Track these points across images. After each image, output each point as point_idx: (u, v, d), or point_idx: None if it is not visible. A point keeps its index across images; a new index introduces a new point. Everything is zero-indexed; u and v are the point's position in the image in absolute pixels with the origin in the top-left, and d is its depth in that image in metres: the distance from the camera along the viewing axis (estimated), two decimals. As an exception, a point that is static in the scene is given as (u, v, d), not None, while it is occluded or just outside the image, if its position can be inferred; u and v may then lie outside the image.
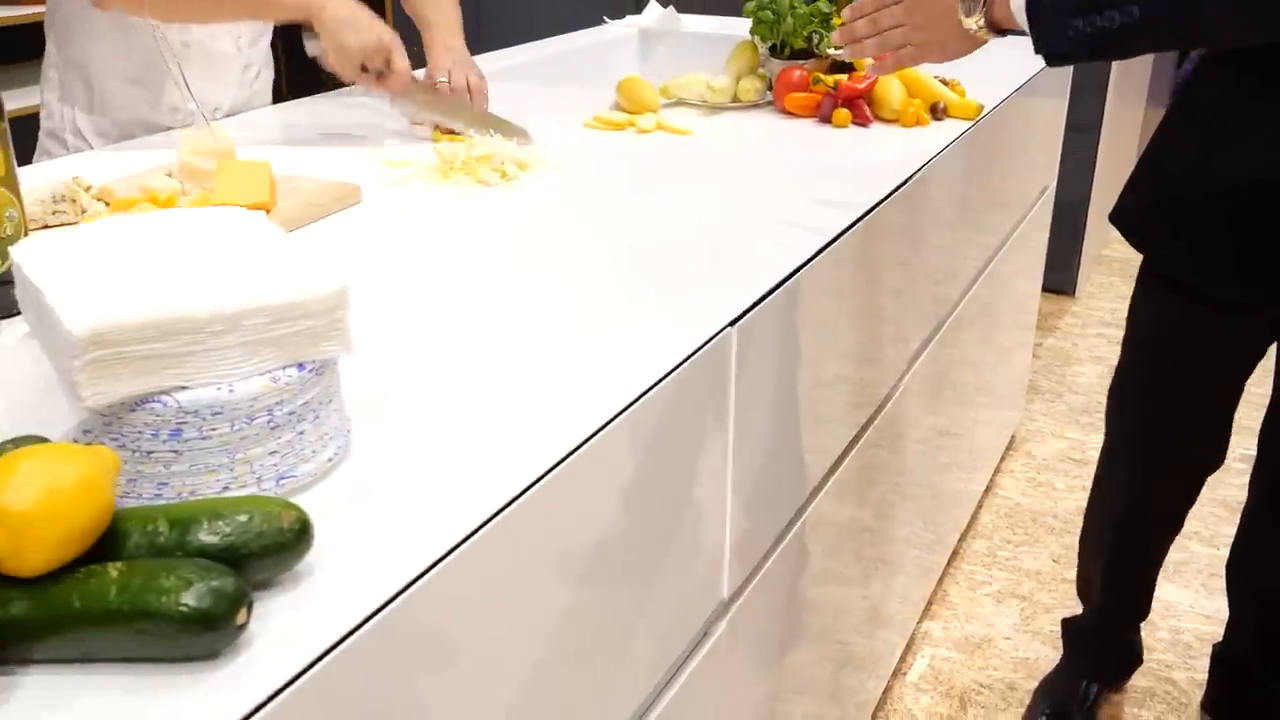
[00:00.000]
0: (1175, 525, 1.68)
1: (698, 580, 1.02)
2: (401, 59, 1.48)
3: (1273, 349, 1.50)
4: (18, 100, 2.84)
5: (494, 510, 0.69)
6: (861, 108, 1.63)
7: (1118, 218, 1.52)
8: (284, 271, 0.70)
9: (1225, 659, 1.74)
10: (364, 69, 1.46)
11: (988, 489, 2.45)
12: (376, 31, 1.46)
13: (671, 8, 2.50)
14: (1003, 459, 2.56)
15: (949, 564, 2.19)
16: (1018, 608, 2.08)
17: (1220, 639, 1.76)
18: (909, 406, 1.62)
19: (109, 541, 0.57)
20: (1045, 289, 2.61)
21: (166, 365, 0.63)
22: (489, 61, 1.98)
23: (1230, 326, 1.46)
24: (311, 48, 1.48)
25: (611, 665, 0.88)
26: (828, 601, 1.43)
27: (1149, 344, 1.55)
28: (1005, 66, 2.04)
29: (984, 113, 1.68)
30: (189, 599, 0.54)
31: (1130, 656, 1.85)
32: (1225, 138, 1.36)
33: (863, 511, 1.51)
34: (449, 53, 1.62)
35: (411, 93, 1.52)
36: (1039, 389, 2.89)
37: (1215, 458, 1.58)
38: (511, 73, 2.01)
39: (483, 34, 2.70)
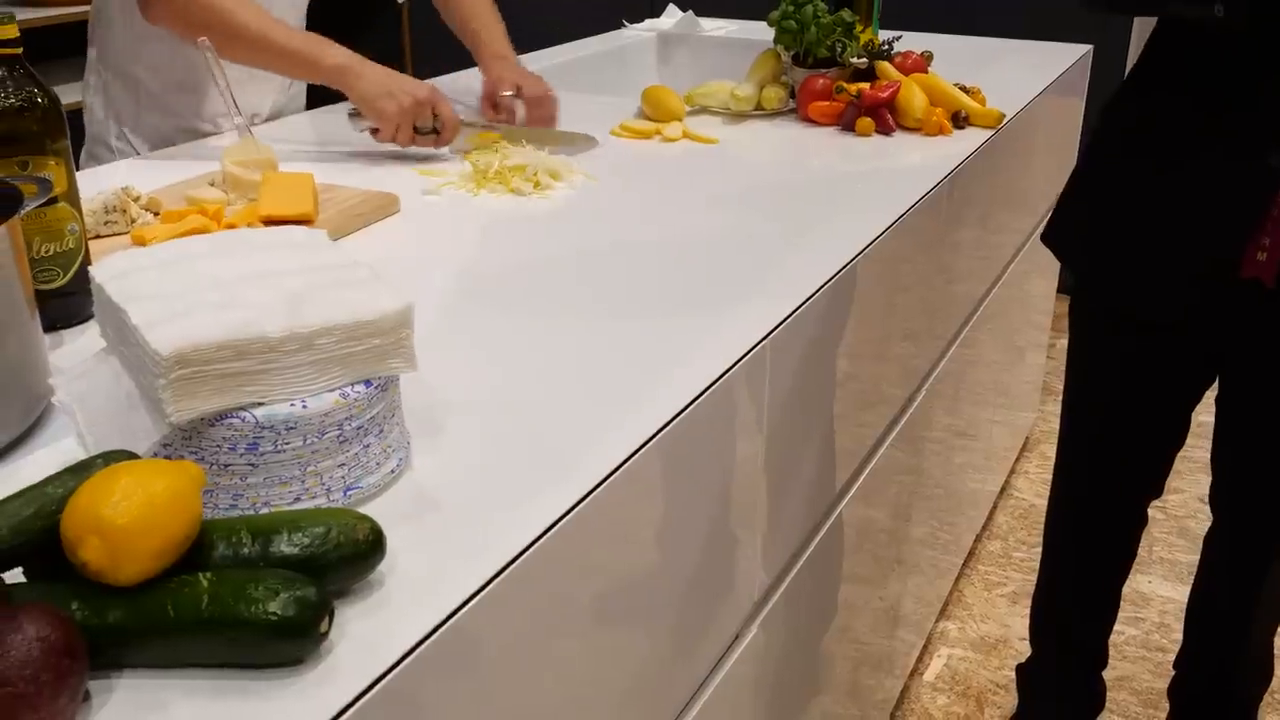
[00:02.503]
0: (1127, 553, 1.65)
1: (732, 584, 1.05)
2: (446, 108, 1.48)
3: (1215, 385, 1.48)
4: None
5: (549, 523, 0.72)
6: (885, 116, 1.66)
7: (1049, 239, 1.51)
8: (351, 291, 0.73)
9: (1180, 693, 1.71)
10: (416, 130, 1.46)
11: (1003, 490, 2.48)
12: (412, 90, 1.44)
13: (690, 11, 2.53)
14: (1017, 460, 2.59)
15: (965, 565, 2.22)
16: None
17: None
18: (927, 408, 1.65)
19: (196, 551, 0.61)
20: (1059, 289, 2.63)
21: (243, 383, 0.67)
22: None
23: (1167, 355, 1.43)
24: (355, 124, 1.49)
25: (656, 666, 0.91)
26: (848, 602, 1.47)
27: (1085, 375, 1.53)
28: (1024, 73, 2.07)
29: (1005, 121, 1.71)
30: (276, 608, 0.57)
31: (1091, 704, 1.78)
32: (1156, 161, 1.33)
33: (881, 512, 1.54)
34: (504, 62, 1.65)
35: (463, 134, 1.52)
36: (1053, 390, 2.92)
37: (1153, 489, 1.57)
38: (579, 84, 2.04)
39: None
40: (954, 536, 2.08)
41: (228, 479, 0.68)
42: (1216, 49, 1.26)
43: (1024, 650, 1.86)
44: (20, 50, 0.92)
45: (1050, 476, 2.52)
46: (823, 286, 1.11)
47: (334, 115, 1.75)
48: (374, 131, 1.46)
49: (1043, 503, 2.43)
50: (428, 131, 1.47)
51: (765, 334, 1.00)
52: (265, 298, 0.71)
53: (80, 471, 0.61)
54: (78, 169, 1.54)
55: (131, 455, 0.64)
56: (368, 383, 0.71)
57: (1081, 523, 1.64)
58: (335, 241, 1.17)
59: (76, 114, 1.65)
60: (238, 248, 0.78)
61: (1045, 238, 1.52)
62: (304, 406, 0.68)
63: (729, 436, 0.98)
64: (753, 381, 1.00)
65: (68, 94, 1.78)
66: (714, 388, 0.91)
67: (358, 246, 1.21)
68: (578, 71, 2.21)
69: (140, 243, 1.13)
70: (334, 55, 1.42)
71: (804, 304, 1.07)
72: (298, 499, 0.69)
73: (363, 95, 1.42)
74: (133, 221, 1.18)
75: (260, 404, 0.67)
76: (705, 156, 1.57)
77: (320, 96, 1.83)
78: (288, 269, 0.75)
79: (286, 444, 0.68)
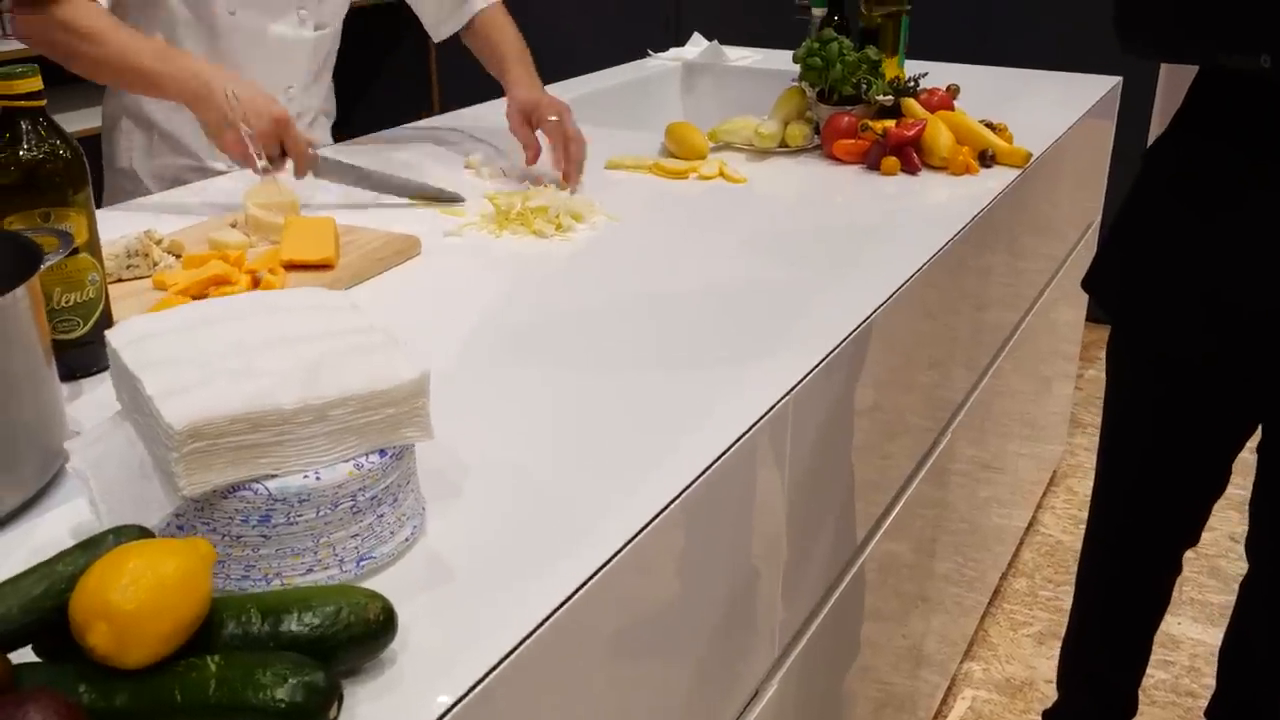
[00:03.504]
0: (1161, 601, 1.63)
1: (752, 641, 1.04)
2: (292, 137, 1.37)
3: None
4: (77, 123, 2.90)
5: (567, 594, 0.71)
6: (910, 155, 1.64)
7: (1090, 285, 1.49)
8: (365, 358, 0.72)
9: None
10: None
11: (1029, 526, 2.45)
12: (254, 122, 1.33)
13: (715, 41, 2.53)
14: (1044, 494, 2.56)
15: (990, 603, 2.20)
16: (1059, 649, 2.07)
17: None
18: (953, 442, 1.64)
19: (206, 630, 0.60)
20: (1088, 319, 2.61)
21: (257, 455, 0.66)
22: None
23: (1208, 402, 1.41)
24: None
25: (671, 732, 0.90)
26: (870, 640, 1.45)
27: (1123, 420, 1.52)
28: (1053, 107, 2.06)
29: (1032, 160, 1.69)
30: (284, 694, 0.56)
31: None
32: (1199, 207, 1.32)
33: (905, 547, 1.52)
34: (537, 89, 1.63)
35: (316, 167, 1.43)
36: (1081, 422, 2.89)
37: (1191, 537, 1.55)
38: (590, 116, 2.04)
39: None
40: (979, 573, 2.06)
41: (240, 550, 0.67)
42: (1262, 96, 1.25)
43: (1050, 694, 1.83)
44: (44, 103, 0.93)
45: (1077, 512, 2.50)
46: (847, 337, 1.10)
47: (359, 152, 1.75)
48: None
49: (1070, 539, 2.41)
50: (274, 159, 1.37)
51: (789, 389, 0.98)
52: (281, 365, 0.70)
53: (90, 549, 0.61)
54: (101, 201, 1.55)
55: (143, 530, 0.63)
56: (382, 452, 0.71)
57: (1115, 569, 1.62)
58: (353, 290, 1.18)
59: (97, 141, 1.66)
60: (256, 311, 0.78)
61: (1086, 284, 1.51)
62: (317, 478, 0.67)
63: (751, 495, 0.97)
64: (775, 437, 0.98)
65: (93, 118, 1.80)
66: (736, 446, 0.90)
67: (377, 292, 1.20)
68: (602, 102, 2.21)
69: (161, 288, 1.14)
70: (181, 78, 1.34)
71: (829, 355, 1.06)
72: (310, 570, 0.69)
73: (207, 130, 1.36)
74: (155, 265, 1.18)
75: (274, 475, 0.67)
76: (729, 196, 1.57)
77: (341, 134, 1.84)
78: (305, 334, 0.75)
79: (299, 516, 0.67)
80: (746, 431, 0.92)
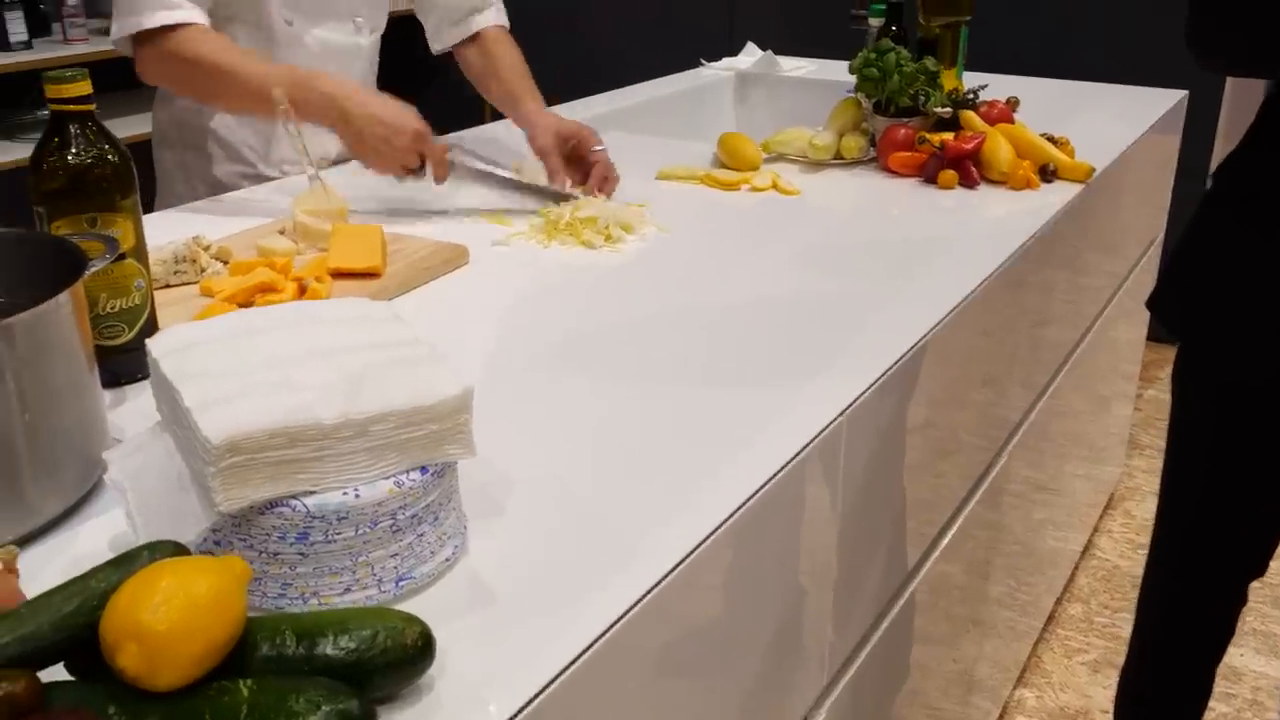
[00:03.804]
0: (1225, 633, 1.57)
1: (801, 665, 1.01)
2: (433, 148, 1.40)
3: None
4: (126, 130, 2.94)
5: (611, 620, 0.68)
6: (968, 168, 1.61)
7: (1155, 305, 1.45)
8: (408, 372, 0.71)
9: None
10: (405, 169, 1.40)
11: (1085, 549, 2.39)
12: (400, 138, 1.36)
13: (770, 51, 2.50)
14: (1101, 517, 2.50)
15: (1044, 628, 2.14)
16: (1115, 678, 2.02)
17: None
18: (1009, 464, 1.60)
19: (239, 651, 0.58)
20: (1149, 338, 2.54)
21: (296, 470, 0.65)
22: (582, 109, 2.00)
23: (1273, 429, 1.36)
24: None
25: (715, 761, 0.87)
26: (920, 663, 1.41)
27: (1189, 447, 1.47)
28: (1116, 121, 2.01)
29: (1095, 174, 1.65)
30: (318, 721, 0.54)
31: None
32: (1269, 231, 1.28)
33: (957, 568, 1.48)
34: (557, 116, 1.60)
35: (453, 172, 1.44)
36: (1140, 444, 2.83)
37: (1258, 568, 1.49)
38: (607, 120, 2.02)
39: (576, 78, 2.72)
40: (1033, 598, 2.01)
41: (277, 568, 0.65)
42: None
43: (1106, 724, 1.78)
44: (93, 107, 0.92)
45: (1135, 536, 2.44)
46: (903, 355, 1.06)
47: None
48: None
49: (1127, 564, 2.35)
50: (416, 169, 1.40)
51: (842, 408, 0.95)
52: (322, 378, 0.68)
53: (124, 565, 0.59)
54: (151, 206, 1.55)
55: (178, 546, 0.62)
56: (424, 469, 0.69)
57: (1179, 600, 1.56)
58: (399, 299, 1.16)
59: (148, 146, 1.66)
60: (300, 321, 0.76)
61: (1150, 304, 1.46)
62: (357, 495, 0.66)
63: (802, 515, 0.94)
64: (828, 456, 0.96)
65: (144, 123, 1.80)
66: (788, 466, 0.87)
67: (424, 301, 1.19)
68: (654, 112, 2.19)
69: (209, 294, 1.13)
70: (319, 105, 1.36)
71: (884, 374, 1.03)
72: (348, 590, 0.67)
73: (354, 148, 1.38)
74: (202, 271, 1.18)
75: (312, 491, 0.65)
76: (782, 208, 1.54)
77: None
78: (347, 345, 0.73)
79: (338, 534, 0.65)
80: (800, 451, 0.89)
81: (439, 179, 1.41)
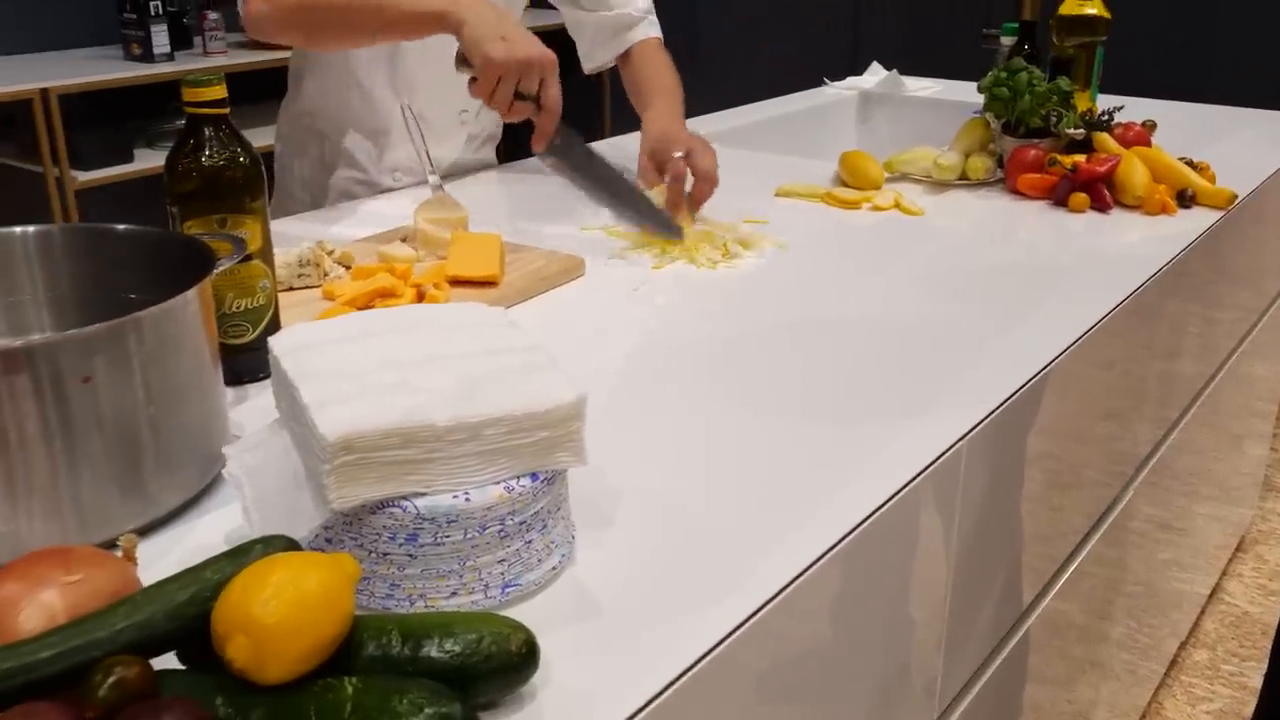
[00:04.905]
0: None
1: (908, 699, 0.98)
2: (556, 86, 1.28)
3: None
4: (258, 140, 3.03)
5: (717, 639, 0.67)
6: (1101, 192, 1.55)
7: None
8: (523, 378, 0.70)
9: None
10: (517, 94, 1.26)
11: (1212, 593, 2.29)
12: (527, 46, 1.25)
13: (895, 71, 2.47)
14: (1230, 561, 2.39)
15: (1166, 674, 2.05)
16: (1242, 730, 1.93)
17: None
18: (1133, 501, 1.53)
19: (345, 648, 0.58)
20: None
21: (408, 471, 0.65)
22: (705, 125, 1.99)
23: None
24: (460, 70, 1.30)
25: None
26: (1034, 703, 1.36)
27: None
28: (1260, 147, 1.92)
29: (1237, 201, 1.58)
30: (420, 723, 0.54)
31: None
32: None
33: (1075, 607, 1.43)
34: (674, 123, 1.53)
35: (564, 144, 1.33)
36: (1275, 486, 2.70)
37: None
38: (729, 137, 2.02)
39: (700, 95, 2.72)
40: (1154, 641, 1.93)
41: (385, 568, 0.66)
42: None
43: (1231, 779, 1.70)
44: (227, 110, 0.94)
45: (1267, 582, 2.33)
46: (1025, 384, 1.03)
47: (524, 176, 1.75)
48: (472, 82, 1.29)
49: (1258, 611, 2.24)
50: (529, 98, 1.27)
51: (959, 437, 0.92)
52: (438, 382, 0.69)
53: (238, 557, 0.60)
54: (273, 213, 1.59)
55: (291, 542, 0.62)
56: (534, 476, 0.68)
57: None
58: (515, 308, 1.17)
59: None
60: (419, 325, 0.77)
61: None
62: (466, 499, 0.65)
63: (914, 546, 0.91)
64: (943, 487, 0.92)
65: (269, 136, 1.85)
66: (901, 494, 0.85)
67: (540, 311, 1.19)
68: (776, 129, 2.17)
69: (330, 297, 1.15)
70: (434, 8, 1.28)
71: (1004, 403, 0.99)
72: (454, 593, 0.66)
73: (472, 36, 1.25)
74: (325, 275, 1.20)
75: (423, 494, 0.65)
76: (904, 228, 1.51)
77: (510, 153, 1.85)
78: (464, 351, 0.73)
79: (446, 537, 0.65)
80: (914, 478, 0.86)
81: (540, 135, 1.30)
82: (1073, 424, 1.21)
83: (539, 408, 0.67)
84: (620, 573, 0.73)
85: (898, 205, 1.57)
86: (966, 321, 1.17)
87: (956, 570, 0.99)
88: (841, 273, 1.33)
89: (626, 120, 1.61)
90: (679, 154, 1.42)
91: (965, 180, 1.68)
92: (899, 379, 1.03)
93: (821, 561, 0.76)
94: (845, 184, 1.67)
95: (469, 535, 0.66)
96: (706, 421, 0.94)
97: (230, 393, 0.94)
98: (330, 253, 1.23)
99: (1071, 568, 1.32)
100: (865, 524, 0.80)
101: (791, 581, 0.73)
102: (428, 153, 1.32)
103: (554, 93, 1.27)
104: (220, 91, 0.93)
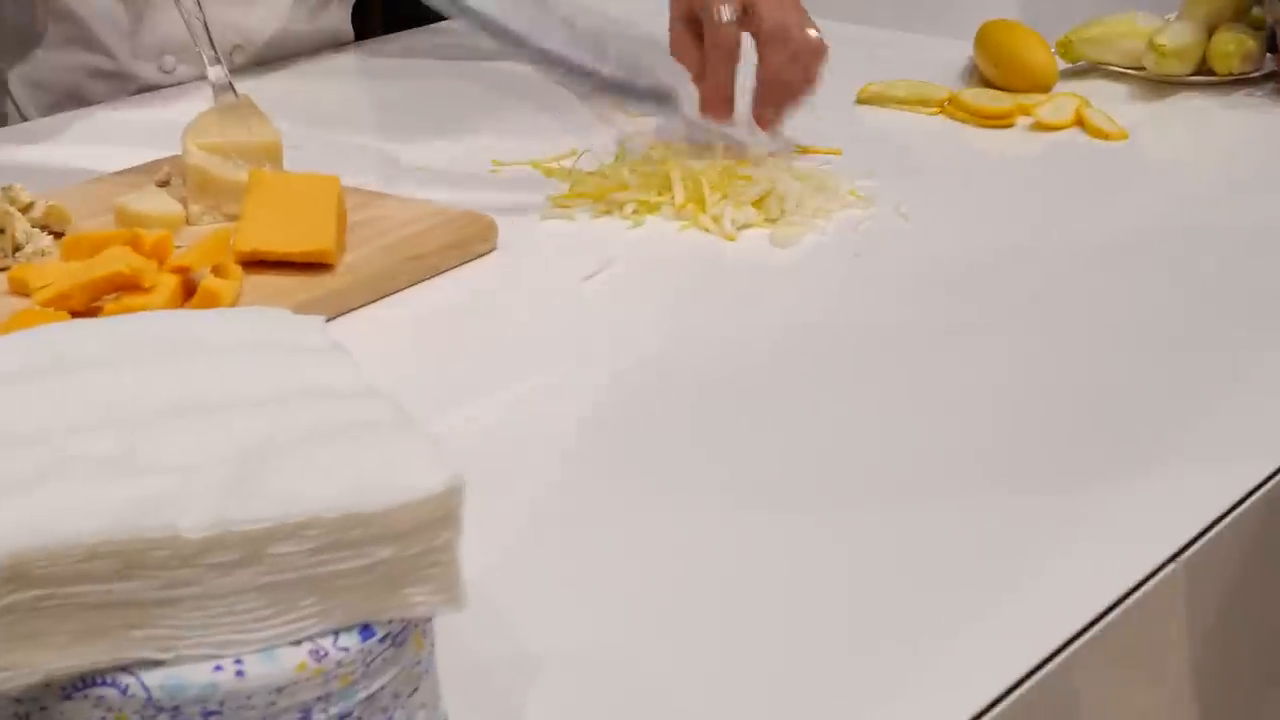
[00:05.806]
0: None
1: None
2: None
3: None
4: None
5: None
6: None
7: None
8: (349, 446, 0.71)
9: None
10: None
11: None
12: None
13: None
14: None
15: None
16: None
17: None
18: None
19: None
20: None
21: (130, 620, 0.66)
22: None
23: None
24: None
25: None
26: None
27: None
28: None
29: None
30: None
31: None
32: None
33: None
34: None
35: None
36: None
37: None
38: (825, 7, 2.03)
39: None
40: None
41: (90, 800, 0.66)
42: None
43: None
44: None
45: None
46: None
47: (398, 62, 1.77)
48: None
49: None
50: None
51: (1173, 552, 0.94)
52: (192, 454, 0.70)
53: None
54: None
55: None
56: (366, 630, 0.69)
57: None
58: (357, 315, 1.18)
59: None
60: (170, 349, 0.78)
61: None
62: (239, 673, 0.66)
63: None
64: (1156, 615, 0.95)
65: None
66: (1083, 639, 0.86)
67: (405, 322, 1.21)
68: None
69: (21, 291, 1.16)
70: None
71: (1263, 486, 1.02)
72: None
73: None
74: (17, 249, 1.21)
75: (159, 661, 0.66)
76: (1093, 163, 1.55)
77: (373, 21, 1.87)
78: (247, 396, 0.75)
79: (203, 743, 0.66)
80: (1109, 610, 0.88)
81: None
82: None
83: (375, 505, 0.68)
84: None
85: (1081, 122, 1.60)
86: (1215, 326, 1.22)
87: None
88: (982, 245, 1.36)
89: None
90: (726, 10, 1.45)
91: (1206, 75, 1.72)
92: (1099, 429, 1.07)
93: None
94: (987, 82, 1.71)
95: (245, 740, 0.67)
96: (701, 521, 0.96)
97: None
98: (26, 208, 1.24)
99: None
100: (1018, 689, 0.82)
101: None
102: (204, 22, 1.33)
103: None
104: None
